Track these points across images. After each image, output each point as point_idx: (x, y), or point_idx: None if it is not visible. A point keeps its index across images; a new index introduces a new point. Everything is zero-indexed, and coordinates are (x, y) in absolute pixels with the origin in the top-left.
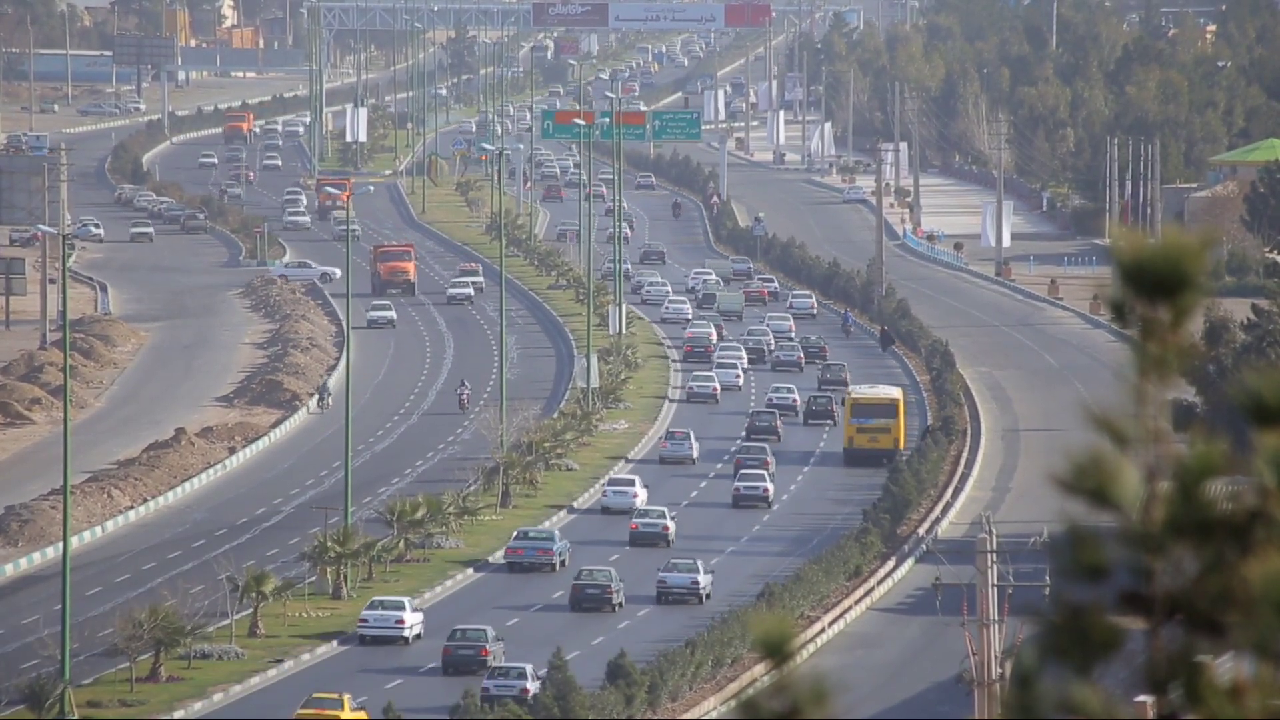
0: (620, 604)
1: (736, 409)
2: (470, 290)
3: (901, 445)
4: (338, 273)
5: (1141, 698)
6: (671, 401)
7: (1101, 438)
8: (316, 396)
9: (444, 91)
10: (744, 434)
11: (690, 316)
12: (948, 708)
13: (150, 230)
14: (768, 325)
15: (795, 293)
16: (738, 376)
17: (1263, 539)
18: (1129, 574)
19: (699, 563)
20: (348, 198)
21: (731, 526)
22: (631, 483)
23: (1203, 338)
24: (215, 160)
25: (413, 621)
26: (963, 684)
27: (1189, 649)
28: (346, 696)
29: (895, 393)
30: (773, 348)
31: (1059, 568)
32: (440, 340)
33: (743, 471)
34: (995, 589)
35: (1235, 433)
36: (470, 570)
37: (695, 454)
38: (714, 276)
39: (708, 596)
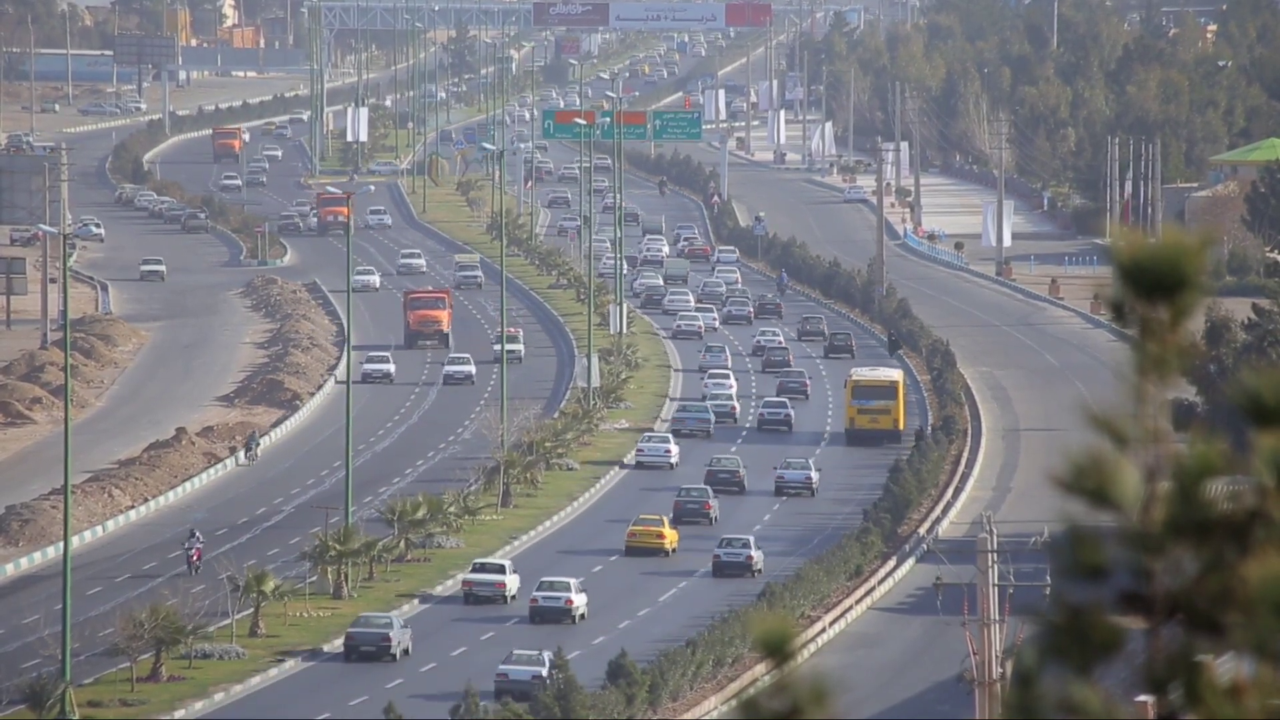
0: (745, 489)
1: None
2: (472, 369)
3: (901, 426)
4: (377, 279)
5: (1141, 698)
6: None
7: (1101, 438)
8: (245, 447)
9: (443, 94)
10: (761, 368)
11: (626, 270)
12: (948, 707)
13: (162, 269)
14: (719, 277)
15: (721, 248)
16: (714, 318)
17: (1262, 539)
18: (1129, 574)
19: (810, 460)
20: (348, 214)
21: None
22: (727, 377)
23: (1203, 337)
24: (240, 183)
25: (675, 451)
26: (963, 684)
27: (1189, 649)
28: (665, 518)
29: (895, 375)
30: (725, 298)
31: (1059, 567)
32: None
33: (766, 400)
34: (996, 589)
35: (1235, 433)
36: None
37: (730, 363)
38: (664, 246)
39: (817, 489)
